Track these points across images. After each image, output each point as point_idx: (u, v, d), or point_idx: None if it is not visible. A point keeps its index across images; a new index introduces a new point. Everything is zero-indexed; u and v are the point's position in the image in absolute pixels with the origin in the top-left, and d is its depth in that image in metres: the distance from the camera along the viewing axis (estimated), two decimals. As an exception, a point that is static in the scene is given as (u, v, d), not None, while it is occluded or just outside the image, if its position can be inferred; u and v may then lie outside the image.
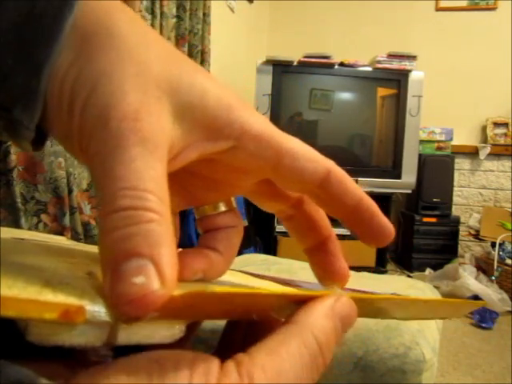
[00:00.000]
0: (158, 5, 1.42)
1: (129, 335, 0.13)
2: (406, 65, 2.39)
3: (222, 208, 0.21)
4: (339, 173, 0.19)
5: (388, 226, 0.20)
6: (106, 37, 0.16)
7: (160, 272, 0.12)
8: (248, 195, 0.22)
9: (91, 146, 0.15)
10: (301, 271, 0.88)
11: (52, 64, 0.16)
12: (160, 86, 0.16)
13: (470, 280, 2.07)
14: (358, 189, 0.19)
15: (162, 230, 0.13)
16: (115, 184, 0.13)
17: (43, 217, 1.14)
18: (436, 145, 2.68)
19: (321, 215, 0.21)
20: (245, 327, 0.19)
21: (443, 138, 2.68)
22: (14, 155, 1.06)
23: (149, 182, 0.14)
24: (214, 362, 0.13)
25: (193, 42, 1.72)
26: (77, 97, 0.15)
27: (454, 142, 2.71)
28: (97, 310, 0.12)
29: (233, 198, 0.22)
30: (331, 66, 2.37)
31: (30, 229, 1.10)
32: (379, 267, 2.35)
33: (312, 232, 0.21)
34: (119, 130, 0.14)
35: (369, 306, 0.19)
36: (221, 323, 0.20)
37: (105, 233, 0.13)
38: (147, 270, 0.12)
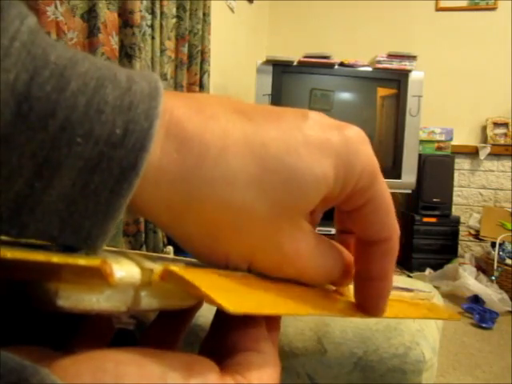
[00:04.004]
0: (157, 5, 1.42)
1: (150, 301, 0.14)
2: (405, 65, 2.38)
3: None
4: (393, 246, 0.20)
5: (376, 311, 0.21)
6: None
7: None
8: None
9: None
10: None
11: (105, 231, 0.15)
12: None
13: (470, 280, 2.07)
14: (391, 270, 0.20)
15: None
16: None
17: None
18: (436, 145, 2.67)
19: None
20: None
21: (443, 138, 2.67)
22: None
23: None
24: (211, 371, 0.14)
25: (193, 42, 1.72)
26: None
27: (454, 142, 2.71)
28: (123, 273, 0.13)
29: None
30: (331, 65, 2.37)
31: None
32: (379, 267, 2.34)
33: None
34: None
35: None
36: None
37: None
38: None
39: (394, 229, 0.19)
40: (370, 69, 2.41)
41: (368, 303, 0.20)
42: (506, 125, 2.75)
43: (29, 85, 0.13)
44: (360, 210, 0.19)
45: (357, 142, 0.18)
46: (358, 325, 0.70)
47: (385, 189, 0.19)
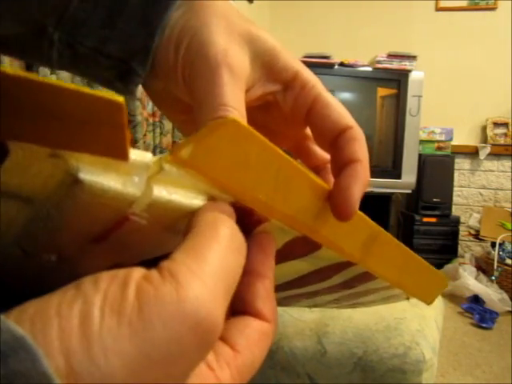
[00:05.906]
0: (157, 5, 1.42)
1: (160, 191, 0.15)
2: (405, 65, 2.39)
3: None
4: (358, 132, 0.22)
5: (348, 205, 0.19)
6: (206, 2, 0.23)
7: None
8: (293, 149, 0.27)
9: (193, 71, 0.21)
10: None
11: (164, 26, 0.23)
12: (241, 36, 0.22)
13: (470, 280, 2.07)
14: (364, 153, 0.21)
15: None
16: (216, 100, 0.20)
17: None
18: (436, 145, 2.68)
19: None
20: None
21: (443, 138, 2.68)
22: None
23: (233, 101, 0.20)
24: (136, 271, 0.12)
25: (193, 42, 1.72)
26: (183, 39, 0.22)
27: (454, 142, 2.71)
28: (136, 156, 0.14)
29: None
30: (331, 65, 2.37)
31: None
32: (379, 267, 2.35)
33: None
34: (216, 61, 0.21)
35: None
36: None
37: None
38: None
39: (351, 120, 0.22)
40: (370, 69, 2.41)
41: (342, 193, 0.19)
42: (506, 125, 2.75)
43: None
44: (313, 108, 0.23)
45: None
46: (358, 325, 0.70)
47: (328, 94, 0.23)
